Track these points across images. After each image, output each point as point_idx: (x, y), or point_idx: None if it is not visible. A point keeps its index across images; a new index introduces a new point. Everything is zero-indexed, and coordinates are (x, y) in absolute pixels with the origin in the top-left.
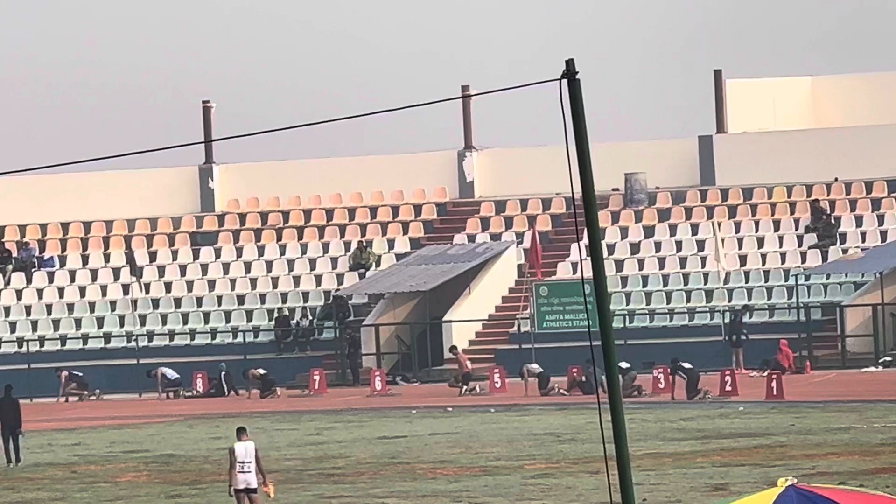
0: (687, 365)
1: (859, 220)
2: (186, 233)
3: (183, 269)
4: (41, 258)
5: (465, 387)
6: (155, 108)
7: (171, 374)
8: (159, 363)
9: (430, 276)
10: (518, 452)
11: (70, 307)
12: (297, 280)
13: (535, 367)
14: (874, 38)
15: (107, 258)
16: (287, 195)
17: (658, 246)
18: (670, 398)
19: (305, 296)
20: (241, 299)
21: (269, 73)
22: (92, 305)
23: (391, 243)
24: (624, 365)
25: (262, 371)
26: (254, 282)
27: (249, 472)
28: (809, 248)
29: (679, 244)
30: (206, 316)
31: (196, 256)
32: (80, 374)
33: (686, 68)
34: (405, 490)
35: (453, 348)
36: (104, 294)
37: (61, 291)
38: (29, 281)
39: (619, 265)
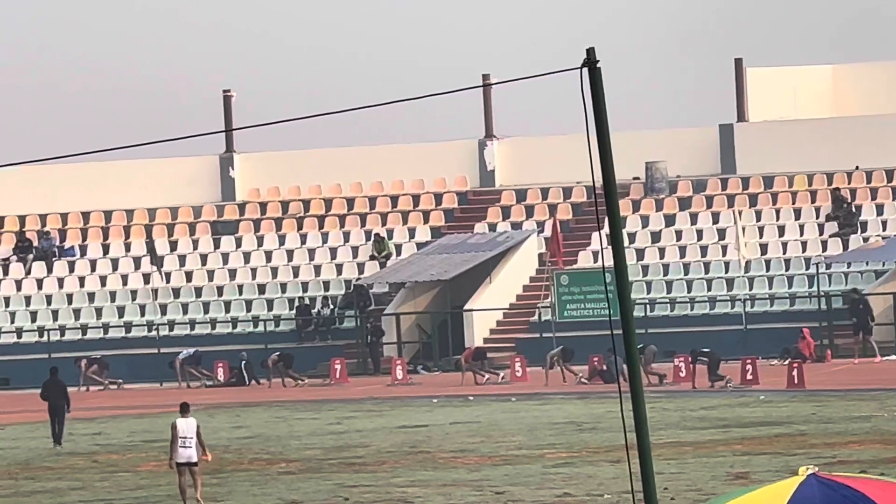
0: (706, 349)
1: (880, 209)
2: (207, 222)
3: (204, 258)
4: (62, 247)
5: (484, 364)
6: (175, 97)
7: (185, 351)
8: (177, 352)
9: (451, 265)
10: (539, 441)
11: (91, 296)
12: (317, 269)
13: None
14: (895, 26)
15: (127, 247)
16: (308, 184)
17: (679, 234)
18: (691, 387)
19: (326, 285)
20: (261, 288)
21: (290, 62)
22: (112, 295)
23: (412, 232)
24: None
25: (277, 354)
26: (274, 271)
27: (191, 447)
28: (830, 236)
29: (700, 233)
30: (227, 305)
31: (217, 245)
32: (99, 356)
33: (707, 57)
34: (426, 479)
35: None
36: (125, 283)
37: (82, 281)
38: (49, 270)
39: (640, 254)
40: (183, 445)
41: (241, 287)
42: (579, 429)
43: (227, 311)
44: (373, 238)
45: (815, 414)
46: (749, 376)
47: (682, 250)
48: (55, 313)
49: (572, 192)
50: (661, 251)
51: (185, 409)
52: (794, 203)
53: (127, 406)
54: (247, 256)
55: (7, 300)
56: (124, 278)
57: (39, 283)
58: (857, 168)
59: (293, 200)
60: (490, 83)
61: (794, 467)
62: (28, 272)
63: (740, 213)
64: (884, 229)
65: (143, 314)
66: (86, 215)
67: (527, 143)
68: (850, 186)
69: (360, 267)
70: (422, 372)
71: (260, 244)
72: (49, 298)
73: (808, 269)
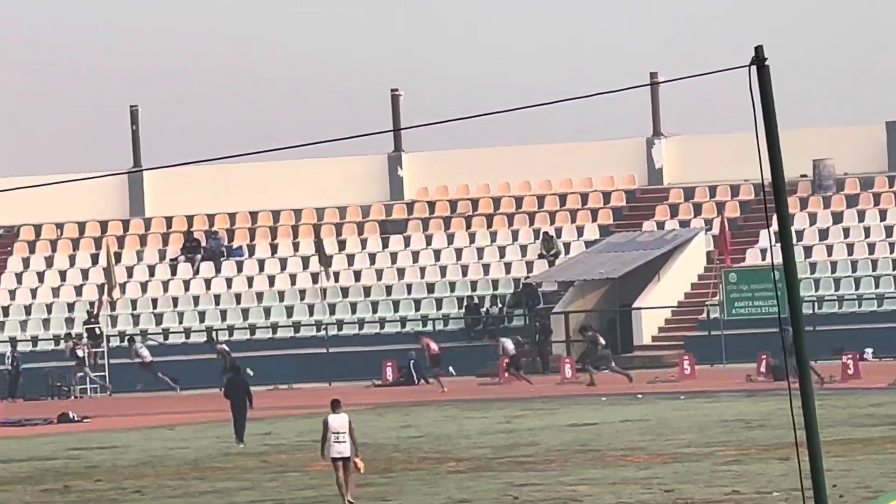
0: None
1: None
2: (375, 221)
3: (372, 257)
4: (230, 247)
5: (439, 373)
6: (344, 97)
7: (146, 354)
8: (345, 351)
9: (620, 263)
10: (708, 439)
11: (259, 296)
12: (486, 268)
13: (508, 343)
14: None
15: (296, 247)
16: (476, 183)
17: (846, 232)
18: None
19: (495, 283)
20: (430, 287)
21: (458, 61)
22: (281, 294)
23: (580, 231)
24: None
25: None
26: (443, 270)
27: (344, 442)
28: None
29: (867, 230)
30: (396, 304)
31: (385, 245)
32: (82, 349)
33: (873, 54)
34: (595, 477)
35: (416, 332)
36: (293, 283)
37: (250, 281)
38: (218, 270)
39: (808, 251)
40: (336, 441)
41: (409, 286)
42: (748, 426)
43: (396, 310)
44: (541, 237)
45: None
46: None
47: (850, 248)
48: (223, 313)
49: (740, 190)
50: (829, 248)
51: (336, 406)
52: None
53: (296, 406)
54: (415, 256)
55: (175, 300)
56: (293, 278)
57: (208, 283)
58: None
59: (462, 199)
60: (658, 81)
61: None
62: (196, 272)
63: None
64: None
65: (311, 314)
66: (254, 215)
67: (694, 141)
68: None
69: (529, 265)
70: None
71: (429, 243)
72: (217, 299)
73: None
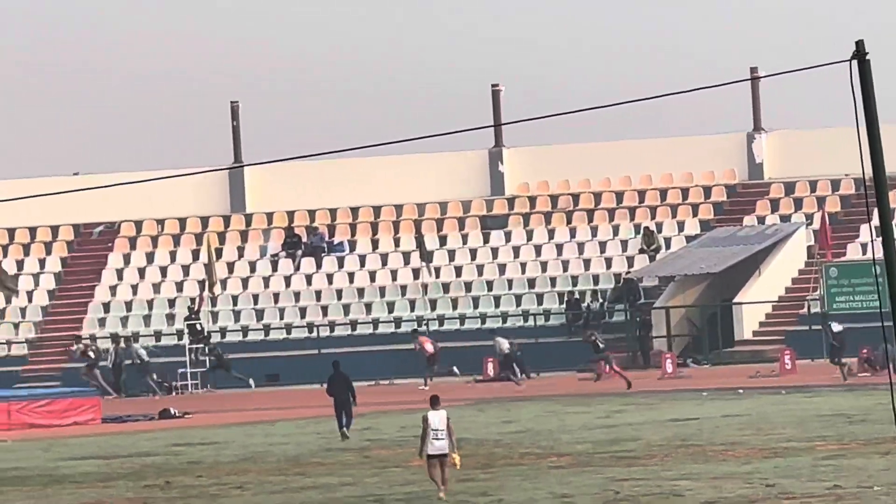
0: (836, 328)
1: None
2: (476, 217)
3: (473, 252)
4: (331, 243)
5: (430, 375)
6: (445, 92)
7: (144, 355)
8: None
9: (720, 258)
10: (809, 434)
11: (360, 292)
12: (587, 263)
13: (504, 342)
14: None
15: (397, 243)
16: (576, 178)
17: None
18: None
19: (596, 279)
20: (531, 283)
21: (558, 56)
22: (382, 290)
23: (681, 225)
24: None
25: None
26: (544, 265)
27: (443, 439)
28: None
29: None
30: (497, 300)
31: (486, 240)
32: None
33: None
34: (696, 472)
35: (414, 332)
36: (394, 279)
37: (351, 276)
38: (319, 266)
39: None
40: (435, 438)
41: (510, 282)
42: (849, 421)
43: (497, 305)
44: (642, 231)
45: None
46: None
47: None
48: (324, 309)
49: (840, 185)
50: None
51: (435, 403)
52: None
53: (396, 401)
54: (516, 251)
55: (276, 296)
56: (394, 273)
57: (308, 278)
58: None
59: (562, 194)
60: (758, 76)
61: None
62: (297, 268)
63: None
64: None
65: (412, 309)
66: (355, 210)
67: (795, 136)
68: None
69: (630, 260)
70: (692, 365)
71: (529, 238)
72: (318, 294)
73: None
